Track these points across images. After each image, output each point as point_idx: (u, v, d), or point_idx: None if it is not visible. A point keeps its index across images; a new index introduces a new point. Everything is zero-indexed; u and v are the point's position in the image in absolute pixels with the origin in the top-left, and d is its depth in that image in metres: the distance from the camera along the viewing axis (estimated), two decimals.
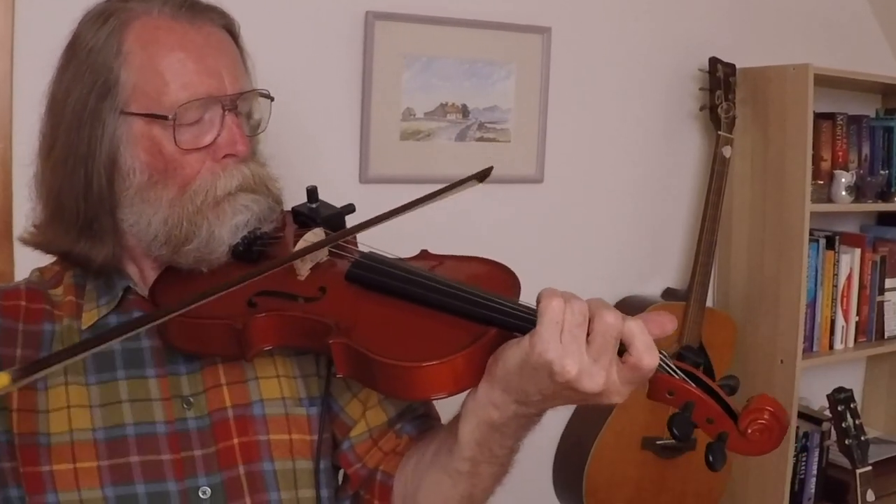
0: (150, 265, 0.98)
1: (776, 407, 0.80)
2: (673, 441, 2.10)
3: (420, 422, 1.04)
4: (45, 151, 0.95)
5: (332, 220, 1.01)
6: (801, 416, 2.37)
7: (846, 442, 1.97)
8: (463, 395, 0.85)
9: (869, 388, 2.74)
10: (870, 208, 2.42)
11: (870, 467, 1.98)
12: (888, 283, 2.47)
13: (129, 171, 0.91)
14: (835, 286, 2.35)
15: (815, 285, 2.31)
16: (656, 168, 2.28)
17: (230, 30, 0.98)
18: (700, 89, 2.23)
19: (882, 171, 2.46)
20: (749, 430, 0.80)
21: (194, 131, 0.91)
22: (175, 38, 0.91)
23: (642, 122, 2.24)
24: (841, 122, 2.38)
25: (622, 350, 0.77)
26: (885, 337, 2.47)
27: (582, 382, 0.75)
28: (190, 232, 0.91)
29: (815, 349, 2.33)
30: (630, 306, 2.19)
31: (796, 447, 2.30)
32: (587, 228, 2.20)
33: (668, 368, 0.80)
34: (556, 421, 2.21)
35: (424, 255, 1.01)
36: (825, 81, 2.23)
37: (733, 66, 2.19)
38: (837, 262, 2.35)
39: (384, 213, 0.91)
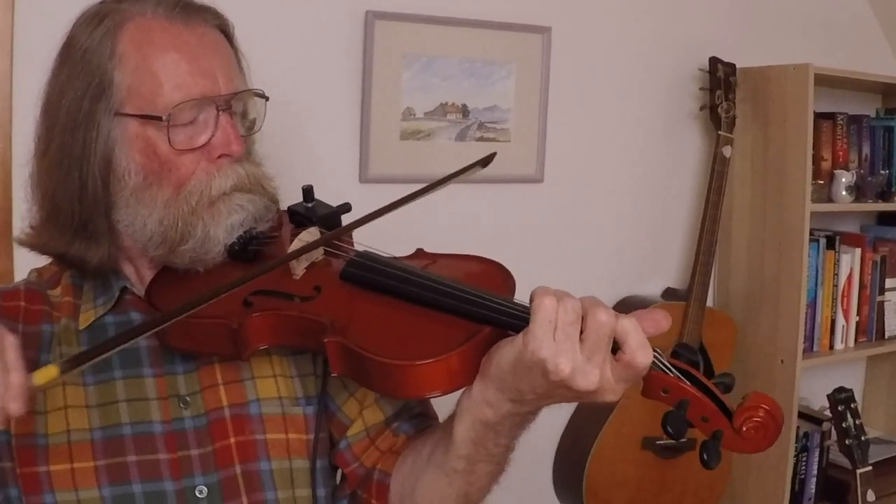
0: (147, 265, 0.98)
1: (771, 404, 0.80)
2: (673, 441, 2.11)
3: (417, 420, 1.04)
4: (40, 153, 0.95)
5: (328, 219, 1.01)
6: (802, 416, 2.37)
7: (846, 442, 1.97)
8: (458, 393, 0.85)
9: (869, 388, 2.74)
10: (870, 208, 2.42)
11: (870, 467, 1.98)
12: (888, 282, 2.46)
13: (123, 172, 0.91)
14: (835, 286, 2.35)
15: (816, 285, 2.31)
16: (656, 168, 2.28)
17: (224, 30, 0.98)
18: (700, 89, 2.23)
19: (882, 171, 2.46)
20: (744, 428, 0.80)
21: (189, 132, 0.91)
22: (169, 39, 0.91)
23: (642, 122, 2.24)
24: (841, 122, 2.38)
25: (616, 348, 0.77)
26: (886, 337, 2.47)
27: (576, 381, 0.76)
28: (185, 232, 0.91)
29: (815, 349, 2.33)
30: (630, 306, 2.19)
31: (796, 447, 2.30)
32: (587, 228, 2.20)
33: (662, 366, 0.80)
34: (556, 421, 2.21)
35: (419, 253, 1.01)
36: (825, 81, 2.23)
37: (733, 65, 2.19)
38: (838, 261, 2.35)
39: (381, 209, 0.91)
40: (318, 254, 0.95)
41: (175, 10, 0.93)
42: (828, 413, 2.12)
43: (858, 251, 2.39)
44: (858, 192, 2.34)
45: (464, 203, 2.00)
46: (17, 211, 1.51)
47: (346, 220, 1.02)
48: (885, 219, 2.57)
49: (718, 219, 2.15)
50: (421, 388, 0.80)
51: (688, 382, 0.80)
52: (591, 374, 0.76)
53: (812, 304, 2.30)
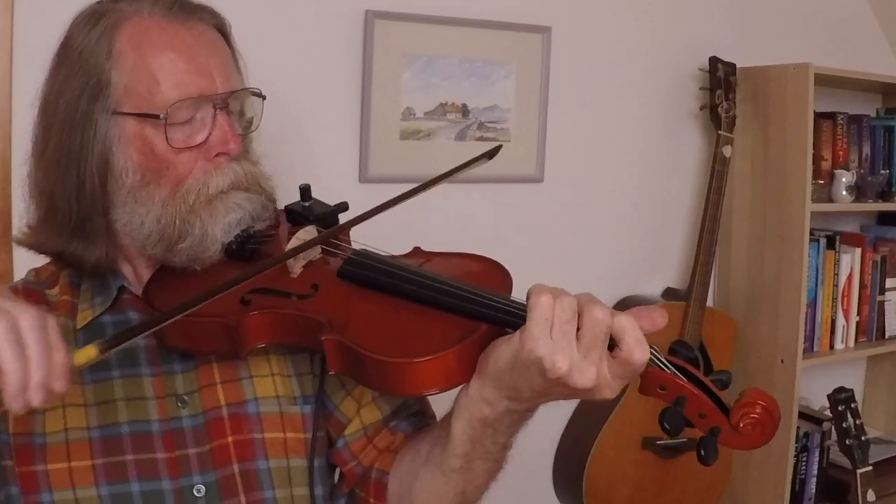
0: (144, 264, 0.98)
1: (768, 401, 0.80)
2: (670, 437, 2.11)
3: (415, 419, 1.04)
4: (37, 152, 0.95)
5: (325, 218, 1.01)
6: (802, 416, 2.37)
7: (847, 442, 1.97)
8: (456, 390, 0.85)
9: (869, 387, 2.74)
10: (870, 208, 2.42)
11: (870, 467, 1.98)
12: (889, 282, 2.46)
13: (121, 171, 0.91)
14: (835, 286, 2.35)
15: (816, 285, 2.30)
16: (656, 168, 2.28)
17: (221, 29, 0.98)
18: (700, 89, 2.23)
19: (882, 171, 2.46)
20: (741, 425, 0.80)
21: (186, 130, 0.91)
22: (166, 38, 0.91)
23: (642, 122, 2.24)
24: (841, 122, 2.38)
25: (612, 345, 0.77)
26: (886, 337, 2.47)
27: (573, 378, 0.76)
28: (183, 230, 0.91)
29: (815, 349, 2.32)
30: (630, 306, 2.16)
31: (797, 447, 2.30)
32: (587, 228, 2.20)
33: (659, 363, 0.80)
34: (556, 421, 2.21)
35: (416, 252, 1.01)
36: (825, 81, 2.23)
37: (734, 65, 2.19)
38: (838, 261, 2.34)
39: (379, 206, 0.91)
40: (315, 252, 0.95)
41: (172, 10, 0.93)
42: (828, 413, 2.12)
43: (859, 251, 2.39)
44: (859, 191, 2.34)
45: (463, 203, 2.00)
46: (17, 211, 1.51)
47: (343, 219, 1.02)
48: (886, 219, 2.57)
49: (718, 218, 2.15)
50: (418, 386, 0.81)
51: (685, 379, 0.81)
52: (588, 371, 0.76)
53: (812, 304, 2.30)
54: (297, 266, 0.93)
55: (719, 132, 2.16)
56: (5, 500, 0.89)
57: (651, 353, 0.78)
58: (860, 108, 2.51)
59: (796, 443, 2.28)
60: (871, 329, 2.44)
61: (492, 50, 1.98)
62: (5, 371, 0.68)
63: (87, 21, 0.93)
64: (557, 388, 0.78)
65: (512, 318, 0.81)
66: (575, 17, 2.10)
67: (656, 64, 2.23)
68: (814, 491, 2.39)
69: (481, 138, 1.99)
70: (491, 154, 0.98)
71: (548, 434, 2.21)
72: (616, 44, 2.17)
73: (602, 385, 0.77)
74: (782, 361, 2.21)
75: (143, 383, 0.94)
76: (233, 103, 0.95)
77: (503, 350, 0.79)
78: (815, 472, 2.38)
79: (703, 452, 0.79)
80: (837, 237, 2.35)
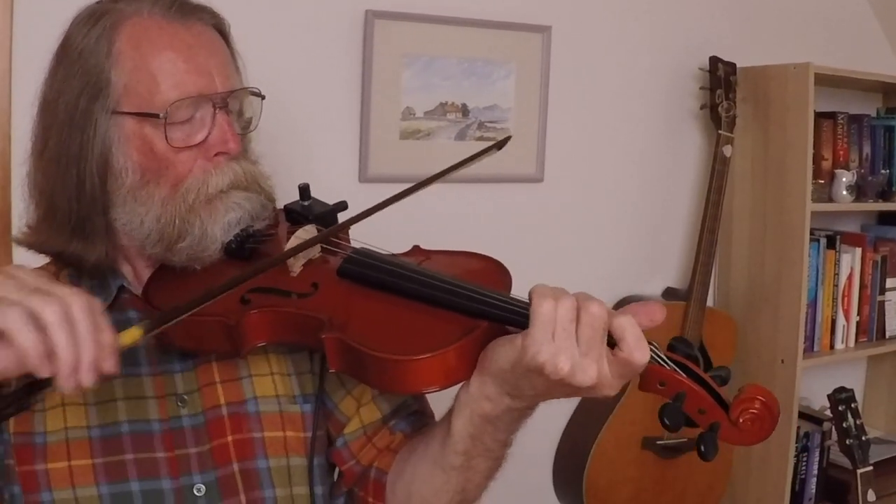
0: (144, 264, 0.98)
1: (767, 396, 0.80)
2: (673, 440, 2.11)
3: (414, 419, 1.04)
4: (37, 152, 0.95)
5: (325, 217, 1.01)
6: (802, 416, 2.37)
7: (847, 442, 1.97)
8: (455, 389, 0.85)
9: (870, 387, 2.74)
10: (871, 208, 2.42)
11: (871, 467, 1.98)
12: (889, 282, 2.46)
13: (121, 170, 0.92)
14: (835, 286, 2.35)
15: (816, 285, 2.30)
16: (657, 167, 2.28)
17: (220, 29, 0.98)
18: (700, 88, 2.23)
19: (883, 171, 2.46)
20: (741, 420, 0.80)
21: (186, 130, 0.91)
22: (165, 38, 0.91)
23: (643, 122, 2.24)
24: (842, 122, 2.38)
25: (612, 343, 0.77)
26: (886, 336, 2.47)
27: (575, 377, 0.76)
28: (183, 230, 0.91)
29: (815, 349, 2.32)
30: None
31: (797, 447, 2.30)
32: (587, 228, 2.20)
33: (659, 359, 0.80)
34: (556, 421, 2.21)
35: (415, 250, 1.01)
36: (826, 80, 2.23)
37: (734, 64, 2.19)
38: (838, 261, 2.34)
39: (380, 203, 0.91)
40: (315, 251, 0.96)
41: (171, 10, 0.93)
42: (828, 413, 2.12)
43: (859, 251, 2.39)
44: (859, 191, 2.34)
45: (463, 202, 2.00)
46: (16, 211, 1.51)
47: (342, 217, 1.02)
48: (886, 218, 2.57)
49: (719, 218, 2.15)
50: (418, 383, 0.81)
51: (684, 375, 0.81)
52: (589, 369, 0.76)
53: (812, 304, 2.29)
54: (296, 265, 0.93)
55: (719, 132, 2.16)
56: (10, 500, 0.89)
57: (651, 350, 0.78)
58: (860, 108, 2.51)
59: (796, 443, 2.28)
60: (871, 329, 2.44)
61: (492, 50, 1.98)
62: (60, 354, 0.70)
63: (86, 21, 0.93)
64: (559, 387, 0.78)
65: (512, 315, 0.81)
66: (575, 16, 2.10)
67: (656, 63, 2.23)
68: (814, 491, 2.39)
69: (481, 138, 1.99)
70: (500, 145, 0.98)
71: (548, 434, 2.21)
72: (616, 43, 2.17)
73: (603, 383, 0.78)
74: (782, 361, 2.21)
75: (142, 383, 0.94)
76: (232, 103, 0.95)
77: (505, 350, 0.79)
78: (816, 472, 2.38)
79: (703, 448, 0.80)
80: (838, 237, 2.35)
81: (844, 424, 1.98)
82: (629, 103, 2.21)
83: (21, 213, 0.99)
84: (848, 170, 2.35)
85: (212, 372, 0.97)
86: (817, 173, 2.28)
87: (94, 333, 0.72)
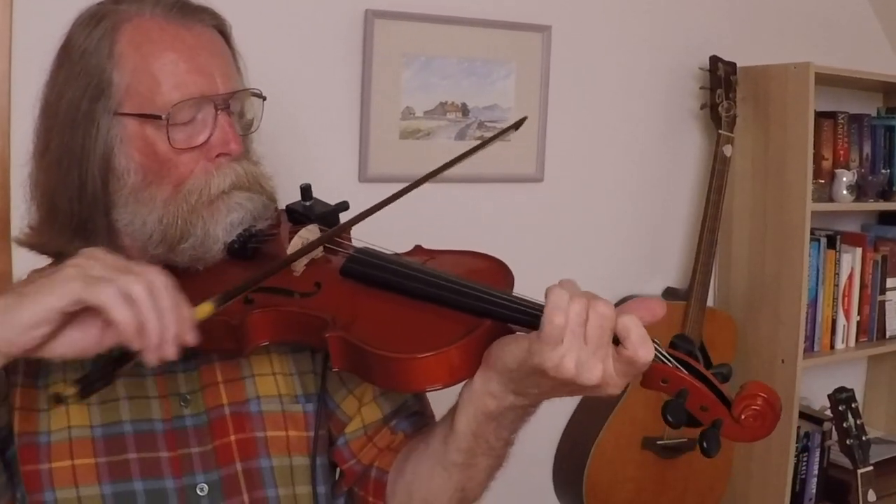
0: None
1: (769, 393, 0.80)
2: (673, 440, 2.11)
3: (415, 419, 1.05)
4: (39, 153, 0.95)
5: (326, 217, 1.02)
6: (802, 416, 2.37)
7: (847, 442, 1.97)
8: (458, 386, 0.85)
9: (870, 387, 2.74)
10: (871, 207, 2.42)
11: (871, 467, 1.98)
12: (889, 282, 2.46)
13: (123, 171, 0.92)
14: (836, 285, 2.35)
15: (816, 285, 2.30)
16: (657, 167, 2.28)
17: (221, 30, 0.98)
18: (701, 88, 2.23)
19: (883, 170, 2.46)
20: (743, 417, 0.80)
21: (187, 131, 0.92)
22: (167, 39, 0.91)
23: (643, 121, 2.24)
24: (842, 121, 2.38)
25: (617, 340, 0.77)
26: (887, 336, 2.47)
27: (581, 377, 0.76)
28: (185, 231, 0.91)
29: (816, 349, 2.32)
30: None
31: (797, 447, 2.30)
32: (587, 228, 2.20)
33: (661, 356, 0.81)
34: (556, 421, 2.21)
35: (418, 250, 1.02)
36: (826, 80, 2.23)
37: (734, 64, 2.19)
38: (838, 261, 2.34)
39: (387, 198, 0.92)
40: (317, 251, 0.96)
41: (173, 11, 0.93)
42: (828, 413, 2.12)
43: (859, 251, 2.39)
44: (859, 191, 2.34)
45: (463, 202, 2.00)
46: (16, 211, 1.51)
47: (343, 218, 1.03)
48: (886, 218, 2.57)
49: (719, 218, 2.15)
50: (422, 381, 0.81)
51: (686, 372, 0.81)
52: (595, 368, 0.76)
53: (813, 304, 2.29)
54: (299, 264, 0.94)
55: (720, 131, 2.16)
56: (21, 500, 0.89)
57: (653, 347, 0.79)
58: (861, 108, 2.51)
59: (797, 443, 2.28)
60: (871, 329, 2.44)
61: (492, 49, 1.98)
62: (149, 328, 0.74)
63: (87, 22, 0.93)
64: (564, 386, 0.79)
65: (515, 313, 0.82)
66: (575, 16, 2.10)
67: (657, 63, 2.23)
68: (814, 491, 2.39)
69: (481, 138, 1.99)
70: (517, 125, 0.99)
71: (548, 434, 2.21)
72: (616, 43, 2.17)
73: (608, 382, 0.78)
74: (783, 361, 2.21)
75: (145, 382, 0.94)
76: (233, 104, 0.95)
77: (511, 350, 0.80)
78: (816, 472, 2.39)
79: (705, 445, 0.80)
80: (838, 237, 2.35)
81: (845, 424, 1.98)
82: (629, 103, 2.21)
83: (21, 214, 0.99)
84: (848, 169, 2.35)
85: (214, 372, 0.97)
86: (817, 173, 2.28)
87: (176, 308, 0.76)
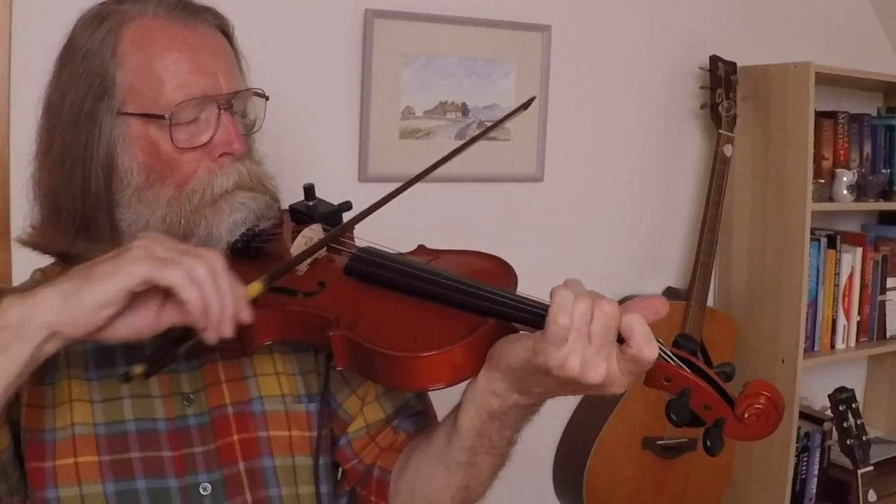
0: None
1: (772, 391, 0.81)
2: (673, 440, 2.11)
3: (417, 419, 1.05)
4: (42, 153, 0.95)
5: (329, 217, 1.02)
6: (803, 415, 2.37)
7: (847, 442, 1.97)
8: (461, 385, 0.86)
9: (870, 387, 2.74)
10: (871, 207, 2.42)
11: (871, 467, 1.98)
12: (890, 282, 2.46)
13: (126, 171, 0.92)
14: (836, 285, 2.35)
15: (817, 284, 2.30)
16: (657, 167, 2.28)
17: (224, 30, 0.98)
18: (701, 87, 2.22)
19: (884, 170, 2.46)
20: (746, 415, 0.80)
21: (190, 130, 0.92)
22: (169, 39, 0.92)
23: (643, 121, 2.24)
24: (842, 121, 2.37)
25: (621, 339, 0.78)
26: (887, 336, 2.47)
27: (585, 376, 0.76)
28: (188, 230, 0.91)
29: (816, 349, 2.32)
30: None
31: (797, 447, 2.30)
32: (587, 227, 2.20)
33: (664, 355, 0.81)
34: (556, 420, 2.21)
35: (421, 249, 1.02)
36: (826, 79, 2.23)
37: (734, 64, 2.19)
38: (839, 261, 2.34)
39: (394, 190, 0.92)
40: (321, 250, 0.96)
41: (175, 11, 0.93)
42: (829, 413, 2.12)
43: (859, 250, 2.38)
44: (859, 191, 2.34)
45: (464, 202, 2.00)
46: (15, 211, 1.51)
47: (346, 217, 1.03)
48: (887, 218, 2.57)
49: (719, 218, 2.15)
50: (425, 380, 0.81)
51: (689, 371, 0.81)
52: (599, 367, 0.76)
53: (813, 304, 2.29)
54: (303, 264, 0.94)
55: (720, 131, 2.15)
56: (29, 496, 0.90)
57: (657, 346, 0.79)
58: (861, 107, 2.51)
59: (797, 443, 2.28)
60: (871, 329, 2.44)
61: (491, 49, 1.98)
62: (211, 307, 0.77)
63: (90, 22, 0.93)
64: (568, 385, 0.79)
65: (519, 312, 0.82)
66: (575, 15, 2.10)
67: (657, 63, 2.23)
68: (814, 491, 2.39)
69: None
70: (526, 105, 1.00)
71: (548, 434, 2.21)
72: (616, 42, 2.17)
73: (612, 381, 0.78)
74: (783, 361, 2.21)
75: (148, 381, 0.94)
76: (236, 104, 0.96)
77: (515, 348, 0.80)
78: (816, 472, 2.38)
79: (709, 443, 0.80)
80: (838, 236, 2.35)
81: (845, 424, 1.97)
82: (629, 103, 2.21)
83: (23, 214, 0.99)
84: (848, 169, 2.35)
85: (217, 371, 0.97)
86: (818, 173, 2.28)
87: (233, 288, 0.79)
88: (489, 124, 1.99)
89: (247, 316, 0.80)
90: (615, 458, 2.11)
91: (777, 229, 2.22)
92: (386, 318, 0.87)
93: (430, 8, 1.89)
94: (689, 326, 2.12)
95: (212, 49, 0.94)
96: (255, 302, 0.89)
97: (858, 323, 2.40)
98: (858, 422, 1.98)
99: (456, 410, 0.89)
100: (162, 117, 0.90)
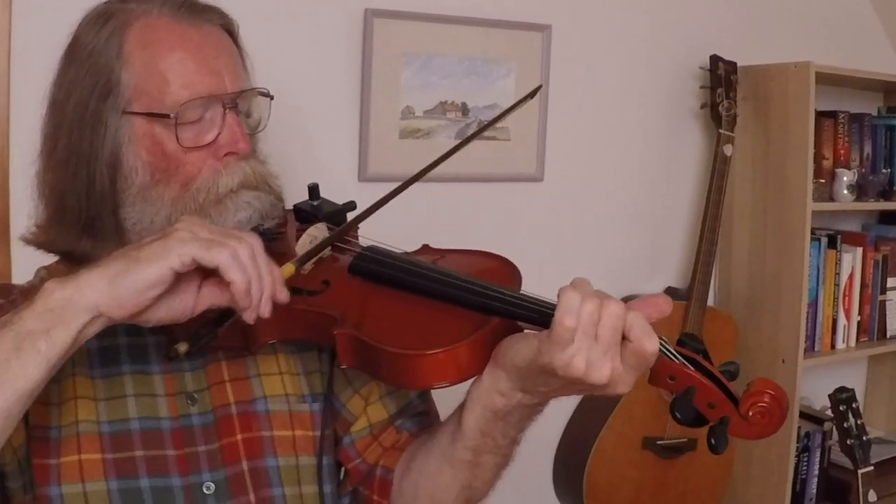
0: None
1: (776, 390, 0.81)
2: (673, 440, 2.10)
3: (420, 419, 1.05)
4: (46, 152, 0.95)
5: (334, 216, 1.02)
6: (803, 415, 2.37)
7: (848, 442, 1.96)
8: (466, 384, 0.86)
9: (871, 387, 2.74)
10: (871, 207, 2.42)
11: (871, 467, 1.97)
12: (890, 282, 2.46)
13: (131, 170, 0.92)
14: (836, 285, 2.35)
15: (817, 284, 2.30)
16: (657, 166, 2.28)
17: (229, 29, 0.99)
18: (701, 87, 2.22)
19: (884, 170, 2.46)
20: (750, 414, 0.81)
21: (196, 130, 0.92)
22: (175, 38, 0.92)
23: (643, 121, 2.24)
24: (843, 121, 2.37)
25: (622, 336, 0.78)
26: (888, 336, 2.47)
27: (590, 376, 0.76)
28: None
29: (816, 349, 2.32)
30: None
31: (798, 447, 2.30)
32: (587, 227, 2.20)
33: (668, 353, 0.81)
34: (556, 420, 2.20)
35: (426, 249, 1.02)
36: (827, 79, 2.22)
37: (734, 63, 2.19)
38: (839, 261, 2.34)
39: (401, 185, 0.93)
40: (325, 249, 0.96)
41: (181, 10, 0.93)
42: (829, 413, 2.11)
43: (860, 250, 2.38)
44: (860, 190, 2.34)
45: (463, 202, 2.00)
46: (14, 210, 1.51)
47: (350, 217, 1.03)
48: (887, 218, 2.57)
49: (719, 217, 2.14)
50: (430, 378, 0.81)
51: (694, 369, 0.81)
52: (604, 367, 0.76)
53: (813, 304, 2.29)
54: (307, 263, 0.94)
55: (720, 131, 2.15)
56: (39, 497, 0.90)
57: (661, 343, 0.79)
58: (861, 107, 2.51)
59: (797, 443, 2.28)
60: (872, 329, 2.43)
61: (491, 48, 1.98)
62: (253, 287, 0.78)
63: (95, 21, 0.93)
64: (573, 384, 0.79)
65: (523, 311, 0.82)
66: (575, 15, 2.09)
67: (657, 62, 2.22)
68: (815, 491, 2.39)
69: (481, 137, 1.98)
70: (532, 94, 1.01)
71: (548, 434, 2.21)
72: (616, 42, 2.17)
73: (617, 380, 0.78)
74: (783, 361, 2.21)
75: (152, 380, 0.95)
76: (241, 103, 0.96)
77: (520, 347, 0.80)
78: (817, 472, 2.38)
79: (713, 441, 0.80)
80: (839, 236, 2.34)
81: (845, 424, 1.97)
82: (629, 102, 2.21)
83: (28, 213, 0.99)
84: (849, 169, 2.34)
85: (221, 371, 0.97)
86: (818, 172, 2.28)
87: (271, 269, 0.80)
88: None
89: (284, 296, 0.81)
90: (615, 458, 2.11)
91: (777, 229, 2.22)
92: (391, 317, 0.87)
93: (430, 8, 1.89)
94: (689, 326, 2.12)
95: (217, 48, 0.94)
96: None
97: (859, 323, 2.40)
98: (859, 422, 1.98)
99: (460, 409, 0.90)
100: (167, 116, 0.90)
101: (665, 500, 2.19)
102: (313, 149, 1.81)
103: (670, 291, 2.29)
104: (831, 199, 2.32)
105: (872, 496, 1.96)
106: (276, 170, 1.01)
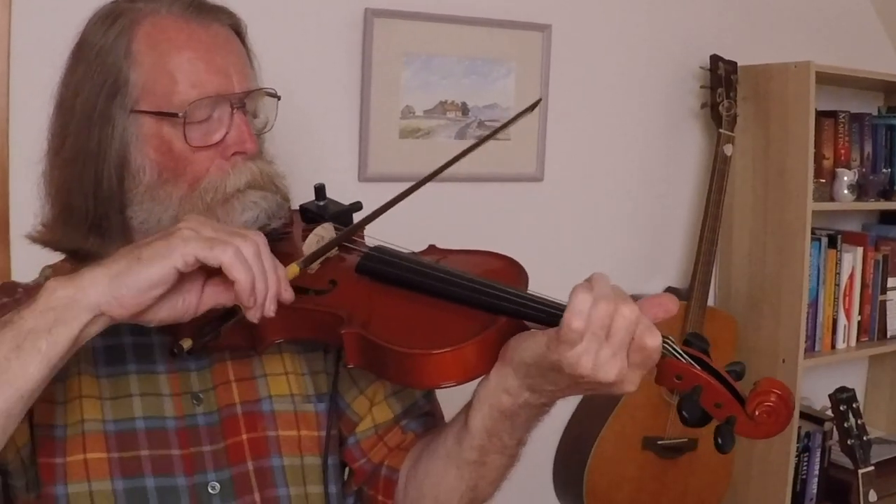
0: None
1: (783, 389, 0.81)
2: (673, 440, 2.10)
3: (425, 419, 1.05)
4: (53, 150, 0.95)
5: (340, 217, 1.03)
6: (803, 415, 2.37)
7: (848, 442, 1.96)
8: (470, 387, 0.86)
9: (871, 387, 2.74)
10: (872, 207, 2.42)
11: (872, 467, 1.97)
12: (890, 282, 2.46)
13: (138, 169, 0.92)
14: (837, 285, 2.34)
15: (817, 284, 2.30)
16: (657, 166, 2.28)
17: (237, 29, 0.99)
18: (701, 87, 2.22)
19: (884, 170, 2.46)
20: (757, 413, 0.81)
21: (204, 129, 0.92)
22: (183, 38, 0.92)
23: (643, 121, 2.24)
24: (843, 120, 2.37)
25: None
26: (888, 336, 2.47)
27: (598, 375, 0.77)
28: None
29: (817, 349, 2.32)
30: None
31: (798, 447, 2.30)
32: (587, 227, 2.20)
33: (674, 352, 0.81)
34: (556, 420, 2.20)
35: (432, 249, 1.02)
36: (827, 79, 2.23)
37: (735, 63, 2.18)
38: (839, 261, 2.34)
39: (411, 186, 0.93)
40: (331, 249, 0.96)
41: (189, 9, 0.93)
42: (829, 413, 2.11)
43: (860, 250, 2.38)
44: (860, 190, 2.34)
45: (463, 202, 2.00)
46: (14, 210, 1.50)
47: (356, 218, 1.03)
48: (887, 218, 2.57)
49: (720, 217, 2.14)
50: (437, 378, 0.81)
51: (700, 369, 0.81)
52: (612, 367, 0.77)
53: (814, 304, 2.29)
54: (314, 262, 0.94)
55: (720, 130, 2.15)
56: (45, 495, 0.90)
57: (666, 342, 0.80)
58: (862, 107, 2.51)
59: (798, 443, 2.28)
60: (872, 329, 2.43)
61: (491, 48, 1.97)
62: (258, 286, 0.78)
63: (103, 20, 0.93)
64: (581, 383, 0.79)
65: (530, 310, 0.83)
66: (575, 15, 2.09)
67: (657, 62, 2.22)
68: (815, 491, 2.38)
69: (480, 137, 1.98)
70: (532, 107, 1.03)
71: (548, 434, 2.21)
72: (616, 42, 2.17)
73: (623, 379, 0.78)
74: (784, 361, 2.21)
75: (158, 380, 0.95)
76: (249, 103, 0.96)
77: (528, 346, 0.80)
78: (817, 472, 2.38)
79: (720, 441, 0.81)
80: (839, 236, 2.34)
81: (846, 424, 1.97)
82: (629, 102, 2.21)
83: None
84: (849, 169, 2.34)
85: (227, 370, 0.97)
86: (818, 172, 2.28)
87: (276, 268, 0.80)
88: (489, 124, 2.00)
89: (289, 295, 0.81)
90: (615, 458, 2.11)
91: (777, 229, 2.22)
92: (398, 316, 0.87)
93: (430, 7, 1.89)
94: (689, 326, 2.12)
95: (226, 48, 0.94)
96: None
97: (859, 323, 2.40)
98: (859, 422, 1.98)
99: (467, 409, 0.90)
100: (175, 115, 0.90)
101: (665, 500, 2.19)
102: (313, 148, 1.81)
103: (670, 291, 2.29)
104: (832, 198, 2.32)
105: (873, 496, 1.96)
106: (282, 170, 1.01)
